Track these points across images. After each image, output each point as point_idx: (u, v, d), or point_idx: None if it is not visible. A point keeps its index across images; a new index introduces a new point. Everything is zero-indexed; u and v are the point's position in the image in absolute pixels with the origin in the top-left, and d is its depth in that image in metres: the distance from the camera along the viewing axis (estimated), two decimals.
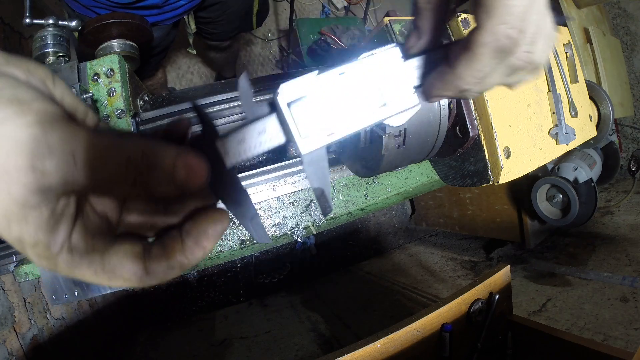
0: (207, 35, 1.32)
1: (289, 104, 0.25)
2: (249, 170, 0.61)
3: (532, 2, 0.24)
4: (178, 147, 0.22)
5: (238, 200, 0.26)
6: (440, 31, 0.32)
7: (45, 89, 0.24)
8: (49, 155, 0.19)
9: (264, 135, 0.26)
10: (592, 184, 1.41)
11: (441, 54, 0.29)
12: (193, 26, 1.20)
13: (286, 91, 0.25)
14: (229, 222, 0.26)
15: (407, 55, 0.29)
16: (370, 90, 0.27)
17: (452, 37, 0.44)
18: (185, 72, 2.20)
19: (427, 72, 0.29)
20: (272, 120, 0.26)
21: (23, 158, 0.19)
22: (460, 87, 0.27)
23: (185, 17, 1.13)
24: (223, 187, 0.26)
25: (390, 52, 0.28)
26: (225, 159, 0.25)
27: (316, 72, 0.26)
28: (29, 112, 0.20)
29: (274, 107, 0.26)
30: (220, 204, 0.27)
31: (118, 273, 0.23)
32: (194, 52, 1.30)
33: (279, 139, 0.26)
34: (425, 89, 0.29)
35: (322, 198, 0.29)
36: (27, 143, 0.19)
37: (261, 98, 0.27)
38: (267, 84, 0.67)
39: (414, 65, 0.29)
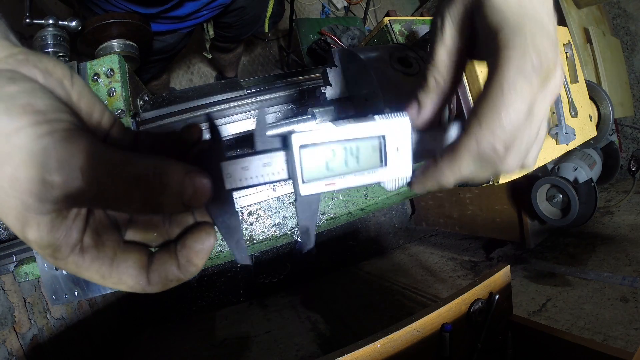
0: (219, 38, 1.33)
1: (301, 147, 0.26)
2: None
3: (529, 118, 0.23)
4: (186, 166, 0.23)
5: (229, 223, 0.27)
6: (442, 112, 0.32)
7: (62, 90, 0.24)
8: (58, 170, 0.20)
9: (269, 168, 0.27)
10: (592, 184, 1.41)
11: (438, 136, 0.30)
12: (211, 32, 1.21)
13: (302, 137, 0.26)
14: (215, 239, 0.26)
15: (412, 128, 0.29)
16: (377, 151, 0.28)
17: None
18: (185, 72, 2.20)
19: (422, 150, 0.30)
20: (279, 157, 0.27)
21: (34, 170, 0.19)
22: (441, 181, 0.28)
23: (205, 24, 1.13)
24: (218, 207, 0.26)
25: (403, 121, 0.28)
26: (227, 180, 0.26)
27: (331, 124, 0.27)
28: (44, 123, 0.20)
29: (285, 144, 0.27)
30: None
31: (124, 279, 0.24)
32: (210, 56, 1.31)
33: (281, 176, 0.27)
34: (414, 183, 0.30)
35: (305, 235, 0.32)
36: (39, 155, 0.19)
37: (274, 132, 0.28)
38: (271, 89, 0.67)
39: (415, 139, 0.30)
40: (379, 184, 0.30)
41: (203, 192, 0.23)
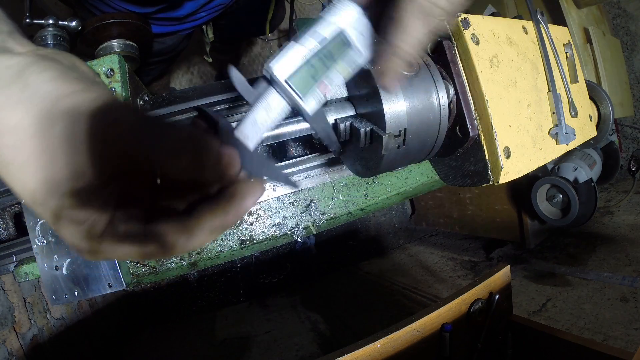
0: (219, 40, 1.32)
1: (287, 81, 0.29)
2: None
3: None
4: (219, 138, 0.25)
5: (270, 170, 0.30)
6: None
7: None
8: (115, 126, 0.22)
9: (271, 111, 0.30)
10: (592, 184, 1.41)
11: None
12: (211, 35, 1.20)
13: (280, 69, 0.29)
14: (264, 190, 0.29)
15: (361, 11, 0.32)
16: (346, 44, 0.31)
17: (452, 37, 0.43)
18: (185, 72, 2.20)
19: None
20: (274, 96, 0.30)
21: (95, 128, 0.22)
22: (401, 53, 0.30)
23: (204, 26, 1.13)
24: (255, 165, 0.28)
25: (351, 9, 0.31)
26: (248, 142, 0.29)
27: (293, 42, 0.30)
28: (98, 87, 0.25)
29: (270, 84, 0.30)
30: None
31: (166, 244, 0.25)
32: (210, 59, 1.31)
33: (284, 110, 0.30)
34: (380, 79, 0.33)
35: (328, 140, 0.36)
36: (96, 114, 0.22)
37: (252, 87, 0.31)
38: None
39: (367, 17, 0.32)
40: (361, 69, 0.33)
41: (235, 162, 0.25)
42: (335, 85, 0.31)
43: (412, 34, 0.29)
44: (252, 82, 0.31)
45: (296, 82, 0.29)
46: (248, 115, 0.29)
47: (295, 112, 0.32)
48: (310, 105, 0.30)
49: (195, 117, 0.28)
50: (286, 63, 0.29)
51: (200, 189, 0.27)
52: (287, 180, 0.31)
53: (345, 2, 0.30)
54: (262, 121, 0.29)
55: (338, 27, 0.30)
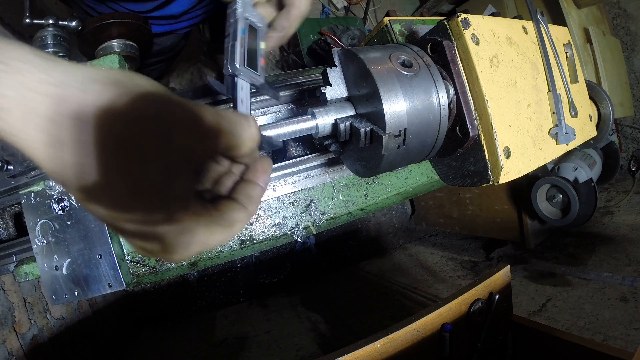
0: (218, 39, 1.32)
1: (243, 68, 0.41)
2: None
3: None
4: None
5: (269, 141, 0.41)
6: None
7: None
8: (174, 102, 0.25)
9: (244, 89, 0.42)
10: (592, 184, 1.41)
11: None
12: (207, 34, 1.20)
13: (236, 64, 0.40)
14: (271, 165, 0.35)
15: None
16: (252, 27, 0.42)
17: (452, 37, 0.43)
18: (185, 72, 2.19)
19: None
20: (241, 82, 0.42)
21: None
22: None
23: (201, 25, 1.13)
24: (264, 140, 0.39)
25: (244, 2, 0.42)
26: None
27: (232, 42, 0.41)
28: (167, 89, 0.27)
29: (235, 75, 0.42)
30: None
31: (235, 220, 0.28)
32: (206, 59, 1.31)
33: (250, 86, 0.43)
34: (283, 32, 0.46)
35: (275, 96, 0.49)
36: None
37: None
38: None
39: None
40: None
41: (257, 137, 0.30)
42: (264, 53, 0.44)
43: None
44: (221, 79, 0.43)
45: (249, 66, 0.41)
46: (236, 100, 0.41)
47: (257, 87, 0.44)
48: (262, 76, 0.43)
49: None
50: (237, 58, 0.39)
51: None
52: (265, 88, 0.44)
53: (234, 5, 0.41)
54: (244, 98, 0.42)
55: (245, 19, 0.41)
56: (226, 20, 0.42)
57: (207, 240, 0.26)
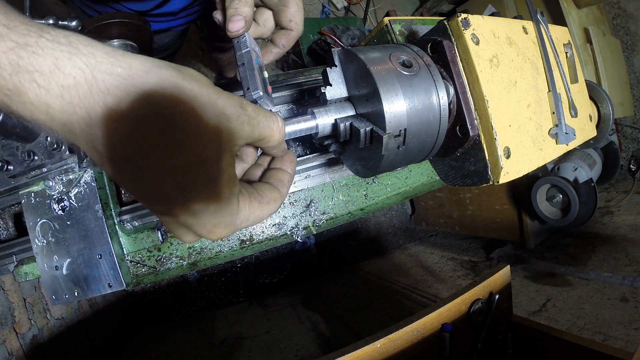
0: (216, 36, 1.32)
1: (261, 95, 0.44)
2: None
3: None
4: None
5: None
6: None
7: None
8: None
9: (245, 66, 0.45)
10: (592, 184, 1.41)
11: None
12: (205, 30, 1.20)
13: (257, 91, 0.44)
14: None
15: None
16: (256, 59, 0.46)
17: (452, 37, 0.43)
18: None
19: None
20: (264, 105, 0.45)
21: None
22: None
23: (198, 22, 1.13)
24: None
25: (247, 38, 0.47)
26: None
27: (249, 71, 0.45)
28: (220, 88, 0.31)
29: (256, 101, 0.45)
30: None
31: (270, 198, 0.33)
32: (204, 52, 1.30)
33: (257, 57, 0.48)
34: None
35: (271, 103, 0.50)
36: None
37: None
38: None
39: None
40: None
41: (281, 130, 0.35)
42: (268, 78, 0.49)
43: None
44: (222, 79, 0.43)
45: (264, 93, 0.44)
46: (251, 88, 0.45)
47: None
48: (274, 103, 0.47)
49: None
50: (259, 86, 0.43)
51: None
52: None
53: (243, 37, 0.46)
54: (258, 81, 0.46)
55: (249, 52, 0.45)
56: (235, 50, 0.47)
57: (249, 217, 0.31)
